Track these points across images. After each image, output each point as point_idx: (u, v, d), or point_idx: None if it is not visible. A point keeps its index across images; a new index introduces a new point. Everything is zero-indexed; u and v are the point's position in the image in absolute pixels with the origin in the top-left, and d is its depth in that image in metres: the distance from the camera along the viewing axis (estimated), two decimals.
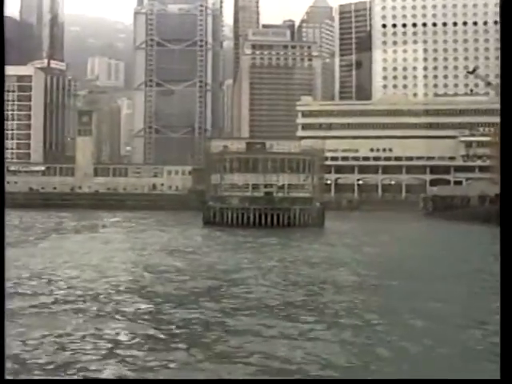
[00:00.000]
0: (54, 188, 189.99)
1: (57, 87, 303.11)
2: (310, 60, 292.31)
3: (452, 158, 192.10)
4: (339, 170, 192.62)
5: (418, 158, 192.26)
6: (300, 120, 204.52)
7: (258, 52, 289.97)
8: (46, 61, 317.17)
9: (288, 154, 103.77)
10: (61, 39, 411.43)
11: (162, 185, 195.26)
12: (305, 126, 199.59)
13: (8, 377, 17.25)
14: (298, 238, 77.51)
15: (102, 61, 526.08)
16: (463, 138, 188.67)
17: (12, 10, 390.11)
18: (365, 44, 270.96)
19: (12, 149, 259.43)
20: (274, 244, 67.54)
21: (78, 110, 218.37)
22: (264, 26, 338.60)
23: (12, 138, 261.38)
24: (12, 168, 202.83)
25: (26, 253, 51.81)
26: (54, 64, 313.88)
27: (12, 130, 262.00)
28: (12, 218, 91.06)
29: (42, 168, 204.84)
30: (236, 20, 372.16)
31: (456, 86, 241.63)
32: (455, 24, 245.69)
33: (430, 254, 58.87)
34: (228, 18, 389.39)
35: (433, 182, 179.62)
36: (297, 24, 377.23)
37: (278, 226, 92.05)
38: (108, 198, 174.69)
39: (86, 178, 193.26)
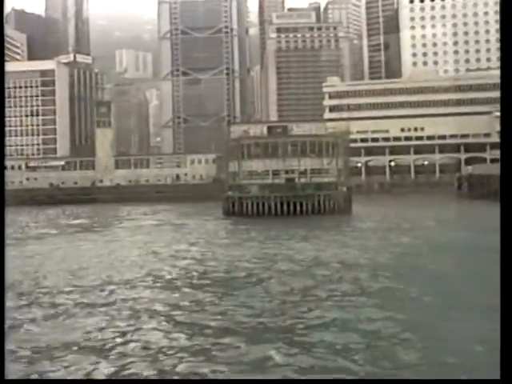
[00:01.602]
0: (75, 183, 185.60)
1: (84, 81, 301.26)
2: (336, 41, 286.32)
3: (487, 135, 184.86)
4: (369, 151, 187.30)
5: (452, 137, 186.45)
6: (327, 102, 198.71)
7: (283, 35, 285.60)
8: (71, 55, 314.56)
9: (310, 137, 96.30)
10: (86, 33, 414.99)
11: (186, 175, 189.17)
12: (332, 108, 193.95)
13: None
14: (326, 227, 71.44)
15: (129, 53, 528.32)
16: (498, 113, 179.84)
17: (37, 6, 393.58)
18: (392, 22, 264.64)
19: (38, 144, 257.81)
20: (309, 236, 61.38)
21: (96, 102, 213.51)
22: (289, 10, 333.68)
23: (38, 134, 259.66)
24: (31, 164, 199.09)
25: None
26: (80, 58, 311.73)
27: (37, 125, 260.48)
28: (22, 216, 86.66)
29: (62, 163, 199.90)
30: (261, 5, 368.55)
31: (489, 60, 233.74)
32: None
33: (488, 241, 52.08)
34: (253, 4, 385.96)
35: (468, 161, 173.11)
36: (323, 6, 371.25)
37: (301, 214, 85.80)
38: (130, 190, 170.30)
39: (106, 170, 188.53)
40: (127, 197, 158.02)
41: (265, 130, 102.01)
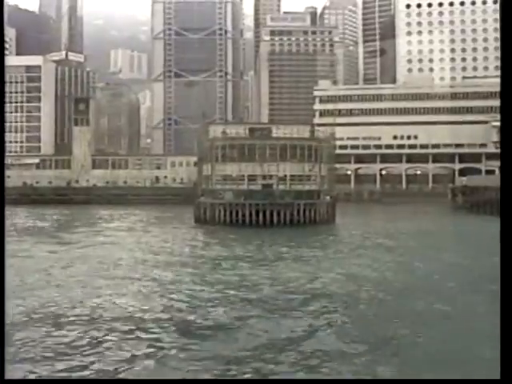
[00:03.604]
0: (50, 182, 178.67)
1: (75, 79, 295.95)
2: (331, 46, 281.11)
3: (483, 145, 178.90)
4: (360, 159, 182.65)
5: (446, 146, 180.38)
6: (317, 106, 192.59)
7: (277, 38, 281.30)
8: (63, 52, 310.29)
9: (290, 140, 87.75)
10: (80, 31, 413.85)
11: (166, 177, 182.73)
12: (322, 113, 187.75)
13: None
14: (299, 242, 64.18)
15: (124, 53, 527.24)
16: (495, 123, 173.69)
17: (31, 3, 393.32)
18: (389, 28, 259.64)
19: (22, 142, 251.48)
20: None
21: (74, 98, 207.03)
22: (285, 13, 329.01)
23: (21, 131, 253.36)
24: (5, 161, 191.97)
25: None
26: (71, 56, 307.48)
27: (21, 122, 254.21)
28: None
29: (37, 160, 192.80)
30: (257, 8, 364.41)
31: (486, 69, 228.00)
32: (484, 2, 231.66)
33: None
34: (249, 8, 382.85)
35: (462, 172, 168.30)
36: (319, 11, 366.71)
37: (278, 224, 78.50)
38: (107, 192, 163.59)
39: (83, 170, 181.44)
40: (103, 199, 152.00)
41: (247, 131, 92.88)
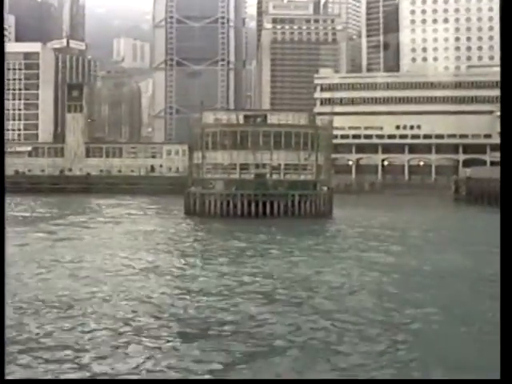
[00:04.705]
0: (42, 170, 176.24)
1: (76, 67, 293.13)
2: (334, 34, 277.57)
3: (488, 136, 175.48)
4: (361, 149, 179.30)
5: (450, 136, 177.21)
6: (318, 94, 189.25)
7: (279, 26, 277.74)
8: (64, 40, 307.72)
9: (285, 127, 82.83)
10: (82, 19, 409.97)
11: (161, 166, 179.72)
12: (324, 101, 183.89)
13: None
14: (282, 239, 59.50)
15: (127, 42, 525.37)
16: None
17: None
18: (393, 16, 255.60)
19: (19, 129, 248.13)
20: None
21: (67, 84, 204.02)
22: (288, 2, 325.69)
23: (19, 119, 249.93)
24: None
25: None
26: (73, 44, 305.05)
27: (19, 109, 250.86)
28: None
29: (29, 148, 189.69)
30: None
31: (491, 58, 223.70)
32: None
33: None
34: None
35: (466, 163, 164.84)
36: (322, 1, 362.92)
37: (271, 216, 74.74)
38: (100, 181, 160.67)
39: (76, 159, 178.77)
40: (96, 188, 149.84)
41: (241, 118, 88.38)
